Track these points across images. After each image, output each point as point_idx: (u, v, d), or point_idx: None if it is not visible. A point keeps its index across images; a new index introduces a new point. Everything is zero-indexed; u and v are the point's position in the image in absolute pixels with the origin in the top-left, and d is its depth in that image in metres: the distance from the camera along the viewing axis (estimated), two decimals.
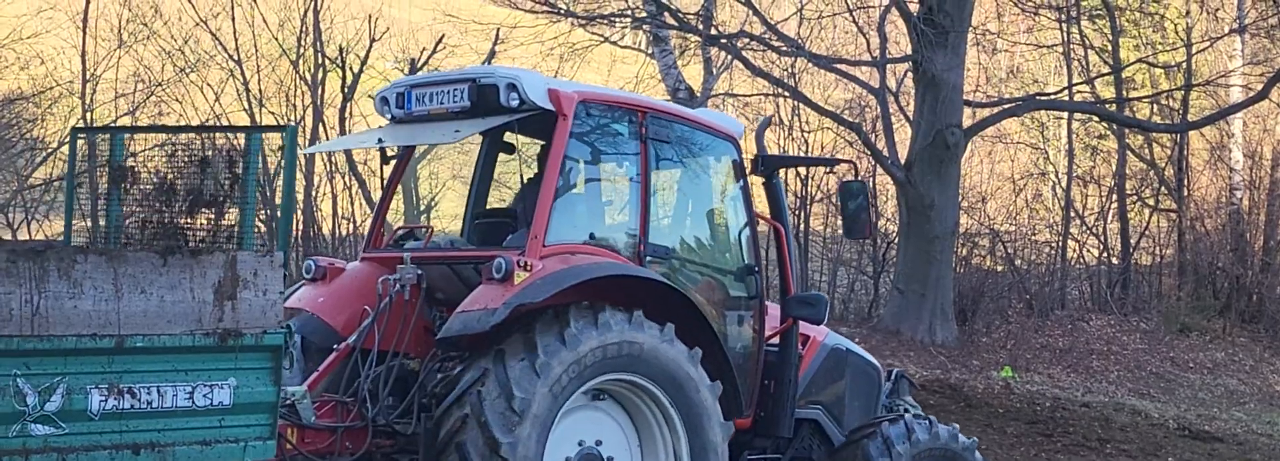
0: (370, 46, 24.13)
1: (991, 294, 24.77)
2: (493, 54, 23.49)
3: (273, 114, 22.53)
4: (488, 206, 10.28)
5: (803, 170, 24.55)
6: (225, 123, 21.35)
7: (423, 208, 23.27)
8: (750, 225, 10.01)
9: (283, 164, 8.29)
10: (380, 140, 9.60)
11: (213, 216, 8.06)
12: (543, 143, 9.42)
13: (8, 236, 20.05)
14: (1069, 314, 25.46)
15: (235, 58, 23.17)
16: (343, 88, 23.26)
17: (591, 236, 9.27)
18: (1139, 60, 27.63)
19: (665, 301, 9.05)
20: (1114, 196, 27.32)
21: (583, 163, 9.43)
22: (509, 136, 9.83)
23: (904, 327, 22.23)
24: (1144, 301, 26.26)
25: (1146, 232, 27.51)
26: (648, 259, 9.31)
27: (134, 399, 7.13)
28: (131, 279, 7.11)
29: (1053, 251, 27.07)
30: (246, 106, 22.42)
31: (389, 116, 9.64)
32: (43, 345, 6.84)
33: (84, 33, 22.16)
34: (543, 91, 9.04)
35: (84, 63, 22.22)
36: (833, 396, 10.41)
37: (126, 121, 22.98)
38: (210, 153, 8.10)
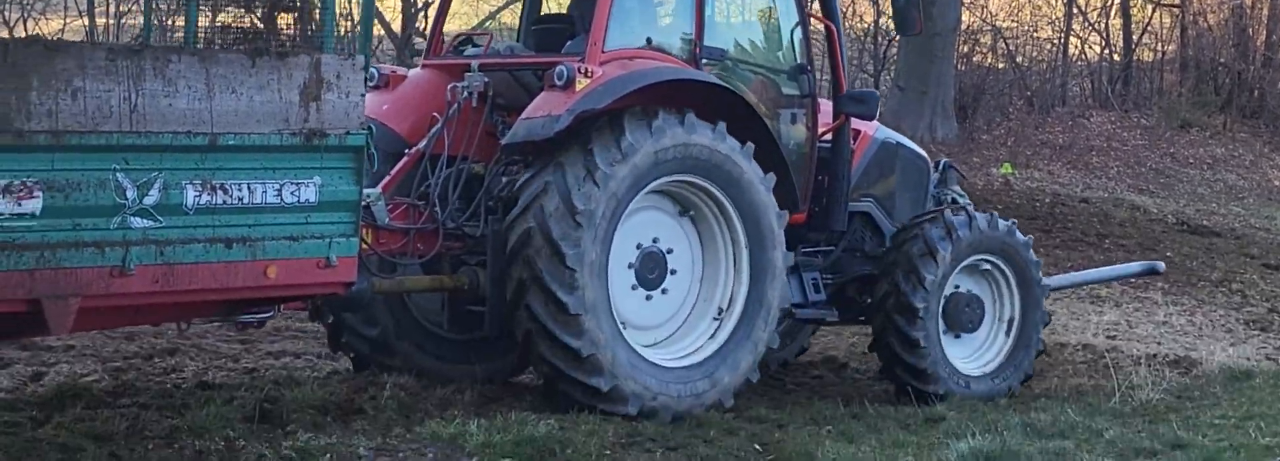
0: None
1: (992, 91, 24.89)
2: None
3: None
4: (540, 15, 10.32)
5: None
6: None
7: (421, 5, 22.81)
8: (802, 24, 10.09)
9: None
10: None
11: (293, 20, 8.21)
12: None
13: (4, 35, 19.88)
14: (1069, 110, 25.62)
15: None
16: None
17: (648, 41, 9.38)
18: None
19: (722, 102, 9.24)
20: None
21: None
22: None
23: (904, 125, 22.19)
24: (1145, 97, 26.40)
25: (1149, 28, 27.41)
26: (703, 61, 9.43)
27: (226, 195, 7.40)
28: (222, 79, 7.33)
29: (1054, 48, 26.98)
30: None
31: None
32: (140, 141, 7.07)
33: None
34: None
35: None
36: (884, 189, 10.66)
37: None
38: None
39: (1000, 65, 25.81)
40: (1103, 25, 27.37)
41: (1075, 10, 27.14)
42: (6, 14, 21.36)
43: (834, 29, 10.38)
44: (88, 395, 8.66)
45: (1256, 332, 14.65)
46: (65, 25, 22.04)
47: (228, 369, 9.98)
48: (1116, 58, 26.97)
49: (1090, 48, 27.34)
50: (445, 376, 9.45)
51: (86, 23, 21.40)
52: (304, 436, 7.88)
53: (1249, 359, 12.74)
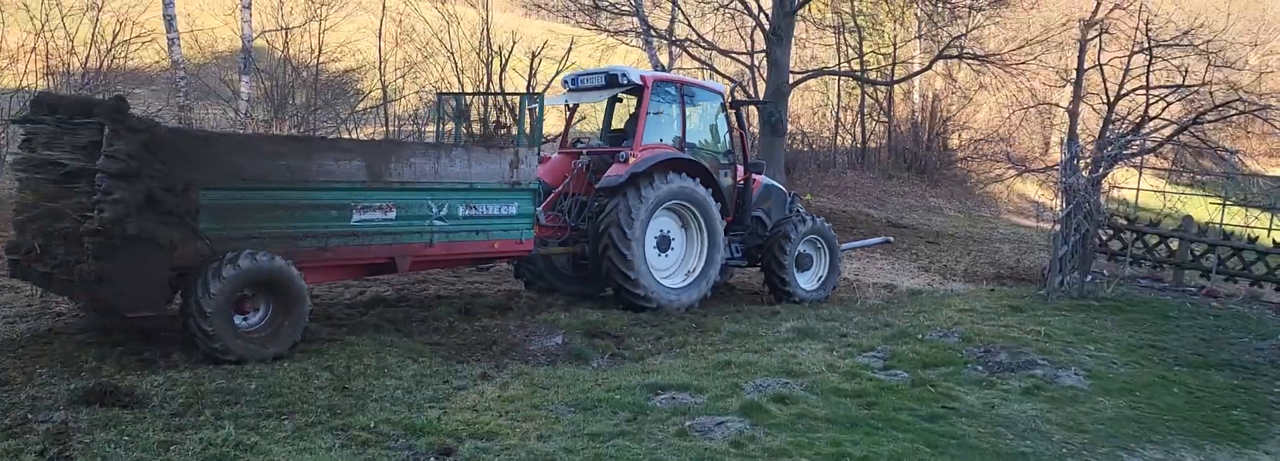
0: (512, 47, 23.26)
1: (802, 161, 24.85)
2: (570, 50, 22.84)
3: (469, 79, 21.58)
4: (612, 128, 10.30)
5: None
6: (445, 85, 20.62)
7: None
8: (730, 132, 10.09)
9: (536, 109, 8.49)
10: (567, 101, 9.64)
11: (504, 133, 8.31)
12: (637, 99, 9.48)
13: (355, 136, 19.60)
14: (837, 170, 25.45)
15: (450, 49, 22.43)
16: (500, 70, 22.15)
17: (660, 140, 9.38)
18: (871, 51, 27.29)
19: (695, 168, 9.27)
20: (859, 114, 27.16)
21: (656, 106, 9.43)
22: (621, 96, 9.87)
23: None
24: (871, 164, 26.45)
25: (873, 132, 27.47)
26: (686, 150, 9.44)
27: (476, 210, 7.54)
28: (476, 158, 7.45)
29: (830, 141, 27.01)
30: (457, 76, 21.51)
31: (568, 88, 9.53)
32: (439, 186, 7.21)
33: (380, 40, 21.62)
34: (637, 76, 9.11)
35: (380, 54, 21.71)
36: (768, 205, 10.59)
37: (399, 84, 22.41)
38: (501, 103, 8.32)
39: (804, 150, 25.90)
40: (853, 130, 27.43)
41: (839, 123, 27.18)
42: (348, 127, 21.26)
43: (742, 132, 10.36)
44: (384, 302, 8.68)
45: (923, 273, 14.61)
46: (374, 130, 21.94)
47: (449, 288, 9.91)
48: (860, 146, 27.02)
49: (846, 141, 27.38)
50: (561, 292, 9.37)
51: (386, 130, 21.33)
52: (484, 320, 7.92)
53: (920, 286, 12.71)
